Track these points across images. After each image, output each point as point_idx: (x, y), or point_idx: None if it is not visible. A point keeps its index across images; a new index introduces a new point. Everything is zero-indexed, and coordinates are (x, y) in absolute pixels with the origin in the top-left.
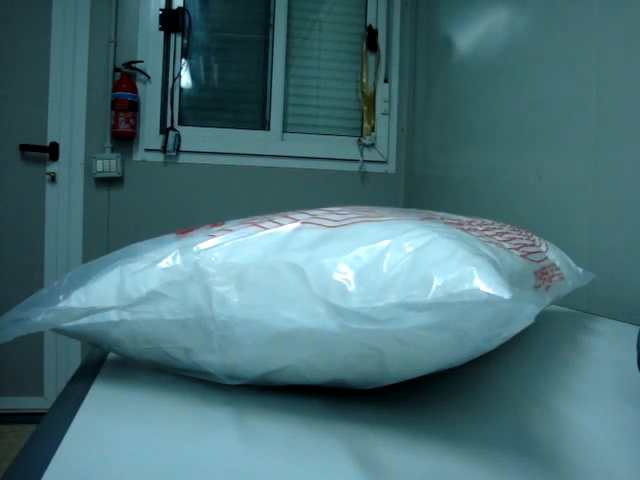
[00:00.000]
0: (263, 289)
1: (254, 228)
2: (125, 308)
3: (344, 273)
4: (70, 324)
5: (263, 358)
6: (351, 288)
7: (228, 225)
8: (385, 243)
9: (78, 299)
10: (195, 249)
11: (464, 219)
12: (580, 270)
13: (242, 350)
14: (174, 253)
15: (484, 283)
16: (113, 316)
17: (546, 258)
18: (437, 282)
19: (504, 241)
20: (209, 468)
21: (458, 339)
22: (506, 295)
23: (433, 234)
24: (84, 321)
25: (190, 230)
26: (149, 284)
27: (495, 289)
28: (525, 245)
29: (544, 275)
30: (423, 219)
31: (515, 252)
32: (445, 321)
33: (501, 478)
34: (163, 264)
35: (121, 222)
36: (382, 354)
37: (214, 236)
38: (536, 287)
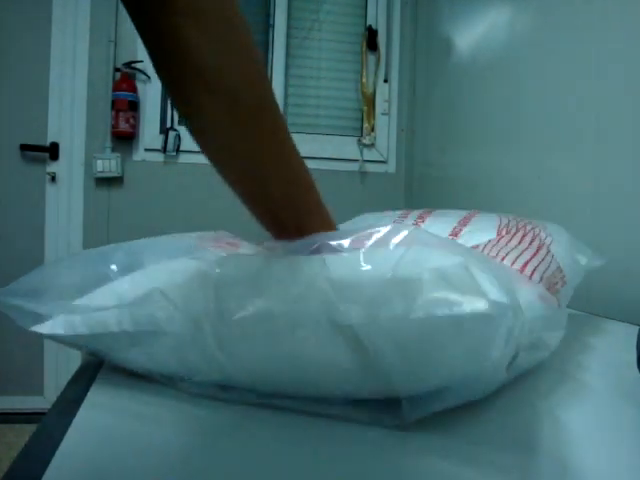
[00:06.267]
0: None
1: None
2: (123, 322)
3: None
4: (68, 333)
5: (261, 370)
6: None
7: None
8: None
9: (79, 308)
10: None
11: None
12: (585, 260)
13: (241, 361)
14: (186, 266)
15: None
16: (113, 327)
17: (551, 263)
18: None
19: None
20: (208, 468)
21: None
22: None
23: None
24: (83, 331)
25: (211, 240)
26: (151, 310)
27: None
28: (531, 260)
29: (557, 283)
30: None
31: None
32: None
33: (500, 477)
34: (168, 278)
35: (121, 222)
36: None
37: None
38: (559, 303)
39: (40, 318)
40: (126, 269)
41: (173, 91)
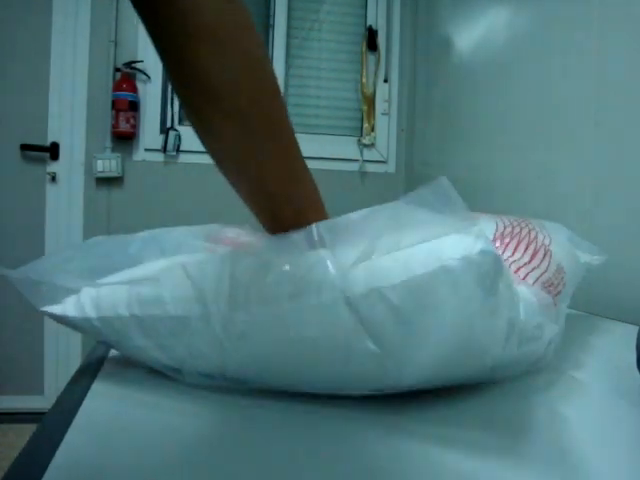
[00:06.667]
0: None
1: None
2: (133, 305)
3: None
4: (79, 315)
5: (263, 359)
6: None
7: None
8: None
9: (89, 297)
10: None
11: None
12: (586, 259)
13: (244, 350)
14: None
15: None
16: (122, 311)
17: (549, 267)
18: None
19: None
20: (207, 466)
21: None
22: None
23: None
24: (92, 314)
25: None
26: (161, 292)
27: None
28: (524, 266)
29: (550, 287)
30: None
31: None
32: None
33: (498, 477)
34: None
35: (121, 222)
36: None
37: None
38: (556, 304)
39: (54, 300)
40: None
41: (189, 111)
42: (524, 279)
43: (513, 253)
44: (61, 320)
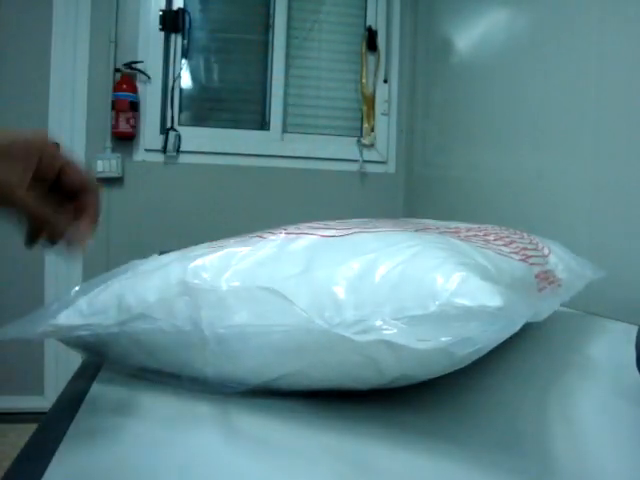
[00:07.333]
0: (251, 309)
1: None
2: (123, 323)
3: (336, 284)
4: (71, 334)
5: (257, 370)
6: (343, 299)
7: (234, 241)
8: (376, 254)
9: (80, 309)
10: (190, 266)
11: (462, 227)
12: (588, 272)
13: (236, 363)
14: (170, 269)
15: (472, 296)
16: (112, 328)
17: (547, 263)
18: (428, 294)
19: (503, 245)
20: (208, 466)
21: (448, 356)
22: (493, 303)
23: (424, 244)
24: (84, 332)
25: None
26: (146, 298)
27: (482, 300)
28: (526, 249)
29: (548, 277)
30: (418, 230)
31: (514, 256)
32: (434, 335)
33: (498, 478)
34: (158, 280)
35: (121, 222)
36: (377, 362)
37: (212, 251)
38: (540, 289)
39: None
40: None
41: None
42: (524, 260)
43: (520, 238)
44: (56, 336)
